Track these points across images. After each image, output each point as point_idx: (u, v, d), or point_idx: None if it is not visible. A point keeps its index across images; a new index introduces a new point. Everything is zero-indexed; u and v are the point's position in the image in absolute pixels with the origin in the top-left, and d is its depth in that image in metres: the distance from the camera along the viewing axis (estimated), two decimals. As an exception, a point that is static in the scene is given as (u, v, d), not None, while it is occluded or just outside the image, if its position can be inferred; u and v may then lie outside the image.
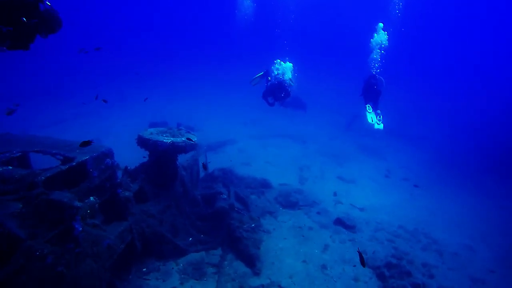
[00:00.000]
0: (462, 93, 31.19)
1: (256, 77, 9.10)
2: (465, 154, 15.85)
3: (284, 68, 8.46)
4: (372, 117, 9.31)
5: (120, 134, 12.72)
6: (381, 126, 8.87)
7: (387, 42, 10.97)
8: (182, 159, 7.33)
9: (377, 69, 10.97)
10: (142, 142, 5.48)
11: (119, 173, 5.82)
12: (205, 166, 5.76)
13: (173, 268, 5.56)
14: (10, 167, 4.49)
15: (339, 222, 7.59)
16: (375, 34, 11.37)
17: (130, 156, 6.70)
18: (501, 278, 6.40)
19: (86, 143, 4.30)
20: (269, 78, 8.81)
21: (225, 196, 7.14)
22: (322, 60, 37.38)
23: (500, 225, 8.88)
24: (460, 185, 11.74)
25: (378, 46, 11.06)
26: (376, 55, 11.25)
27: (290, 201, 8.38)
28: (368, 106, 9.45)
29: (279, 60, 8.62)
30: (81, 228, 3.68)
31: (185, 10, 49.33)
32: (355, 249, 6.63)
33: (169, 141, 5.37)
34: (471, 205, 10.01)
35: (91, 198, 4.06)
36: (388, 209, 8.93)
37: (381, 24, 10.97)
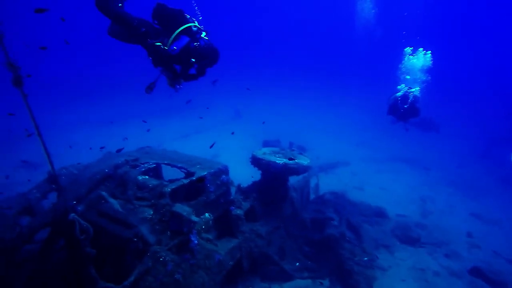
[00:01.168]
0: None
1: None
2: None
3: (413, 66, 7.38)
4: None
5: (236, 150, 13.54)
6: None
7: None
8: (293, 179, 7.26)
9: None
10: (256, 161, 5.59)
11: (233, 190, 6.09)
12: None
13: (278, 292, 5.41)
14: (147, 177, 5.14)
15: (478, 272, 6.18)
16: None
17: (243, 173, 6.96)
18: None
19: (201, 180, 4.65)
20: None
21: (336, 223, 6.68)
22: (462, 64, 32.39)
23: None
24: None
25: None
26: None
27: (410, 236, 7.32)
28: None
29: (409, 50, 7.50)
30: (196, 241, 3.88)
31: (297, 21, 49.91)
32: (501, 312, 5.27)
33: (281, 162, 5.34)
34: None
35: (206, 214, 4.27)
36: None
37: None
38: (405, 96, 7.21)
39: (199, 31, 4.22)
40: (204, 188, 5.31)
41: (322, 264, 6.06)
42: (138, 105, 23.23)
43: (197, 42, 4.17)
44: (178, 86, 4.36)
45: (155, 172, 6.00)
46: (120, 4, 3.73)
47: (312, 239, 6.44)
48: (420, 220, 8.49)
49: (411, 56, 7.55)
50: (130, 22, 3.78)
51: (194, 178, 5.10)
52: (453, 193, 10.76)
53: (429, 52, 7.33)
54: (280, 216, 5.96)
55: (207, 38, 4.29)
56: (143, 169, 5.32)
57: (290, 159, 5.46)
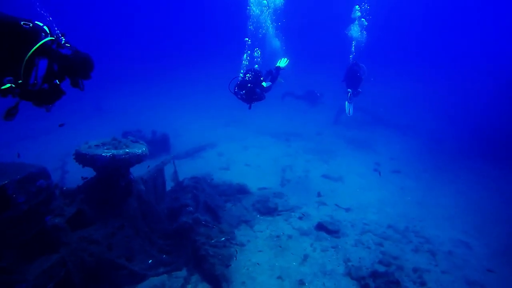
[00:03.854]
0: (451, 75, 30.60)
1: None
2: (458, 141, 15.23)
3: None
4: (349, 107, 9.27)
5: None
6: (350, 110, 9.15)
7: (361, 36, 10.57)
8: (144, 170, 6.65)
9: (355, 58, 10.62)
10: (80, 158, 4.75)
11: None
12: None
13: (126, 298, 4.86)
14: None
15: (321, 227, 6.89)
16: (351, 26, 10.95)
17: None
18: (501, 278, 5.74)
19: None
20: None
21: (191, 209, 6.42)
22: (303, 48, 36.29)
23: (497, 213, 8.25)
24: (454, 174, 11.10)
25: (354, 38, 10.72)
26: (353, 47, 10.91)
27: (268, 207, 7.67)
28: (349, 91, 9.26)
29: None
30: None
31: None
32: (337, 258, 5.95)
33: (109, 154, 4.65)
34: (465, 195, 9.35)
35: None
36: (376, 207, 8.26)
37: (357, 7, 10.42)
38: (244, 80, 7.10)
39: (57, 41, 3.12)
40: (9, 200, 4.26)
41: (179, 255, 5.75)
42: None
43: (60, 59, 3.15)
44: (49, 106, 3.30)
45: None
46: None
47: (167, 230, 6.05)
48: (280, 189, 9.05)
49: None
50: None
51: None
52: (309, 159, 11.90)
53: None
54: (124, 214, 5.31)
55: (69, 45, 3.24)
56: None
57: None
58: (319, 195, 8.79)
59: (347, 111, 9.44)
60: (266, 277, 5.40)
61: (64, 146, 12.79)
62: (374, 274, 5.37)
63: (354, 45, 10.52)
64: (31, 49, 2.88)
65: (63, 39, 3.21)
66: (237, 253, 5.87)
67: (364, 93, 10.51)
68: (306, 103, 18.37)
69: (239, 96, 7.09)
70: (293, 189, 9.11)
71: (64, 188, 4.83)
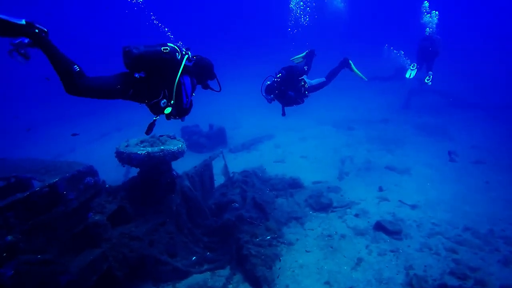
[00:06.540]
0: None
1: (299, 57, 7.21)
2: None
3: None
4: (411, 73, 9.16)
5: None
6: (429, 83, 8.86)
7: None
8: (190, 166, 6.65)
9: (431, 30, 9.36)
10: (119, 156, 4.85)
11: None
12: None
13: (168, 294, 4.87)
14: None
15: (379, 226, 6.11)
16: None
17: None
18: None
19: None
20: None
21: (237, 205, 6.22)
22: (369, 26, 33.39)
23: None
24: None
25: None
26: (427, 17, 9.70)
27: (321, 203, 7.11)
28: (413, 65, 9.11)
29: None
30: (12, 272, 3.13)
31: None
32: (397, 264, 5.19)
33: (144, 152, 4.65)
34: None
35: (9, 237, 3.48)
36: (449, 204, 7.08)
37: None
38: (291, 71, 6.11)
39: (189, 58, 3.47)
40: (60, 197, 4.53)
41: (224, 253, 5.61)
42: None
43: (195, 72, 3.55)
44: (184, 117, 3.77)
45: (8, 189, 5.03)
46: (76, 68, 2.69)
47: (212, 227, 5.95)
48: (336, 183, 8.38)
49: None
50: (111, 89, 2.92)
51: (38, 189, 4.29)
52: (372, 149, 10.86)
53: None
54: (166, 211, 5.33)
55: (195, 57, 3.59)
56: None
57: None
58: (380, 189, 7.91)
59: (407, 75, 9.17)
60: (313, 281, 4.94)
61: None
62: (443, 288, 4.52)
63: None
64: (177, 71, 3.17)
65: (189, 53, 3.47)
66: (281, 257, 5.49)
67: (436, 72, 9.20)
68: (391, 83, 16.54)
69: (269, 101, 6.23)
70: (351, 183, 8.36)
71: (107, 186, 4.98)
